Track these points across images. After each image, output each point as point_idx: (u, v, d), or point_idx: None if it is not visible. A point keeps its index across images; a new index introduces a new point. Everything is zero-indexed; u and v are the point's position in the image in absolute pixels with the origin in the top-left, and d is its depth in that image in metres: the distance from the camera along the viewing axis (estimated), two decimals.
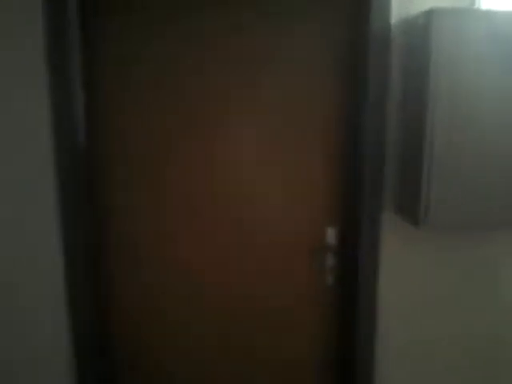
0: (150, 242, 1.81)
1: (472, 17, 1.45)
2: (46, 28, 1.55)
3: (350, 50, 1.71)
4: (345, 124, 1.77)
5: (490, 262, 1.82)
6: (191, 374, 1.94)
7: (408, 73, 1.63)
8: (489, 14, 1.46)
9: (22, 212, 1.68)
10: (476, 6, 1.61)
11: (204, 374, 1.94)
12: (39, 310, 1.76)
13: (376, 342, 1.84)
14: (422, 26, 1.50)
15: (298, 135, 1.77)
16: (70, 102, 1.60)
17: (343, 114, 1.76)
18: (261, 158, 1.78)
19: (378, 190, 1.73)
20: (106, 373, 1.91)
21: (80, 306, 1.74)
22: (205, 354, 1.93)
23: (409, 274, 1.80)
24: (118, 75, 1.69)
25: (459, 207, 1.58)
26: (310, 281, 1.87)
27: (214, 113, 1.74)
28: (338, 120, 1.76)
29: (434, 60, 1.47)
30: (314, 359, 1.95)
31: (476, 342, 1.88)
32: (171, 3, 1.65)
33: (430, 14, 1.45)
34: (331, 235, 1.81)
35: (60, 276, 1.73)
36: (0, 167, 1.64)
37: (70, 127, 1.62)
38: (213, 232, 1.82)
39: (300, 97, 1.74)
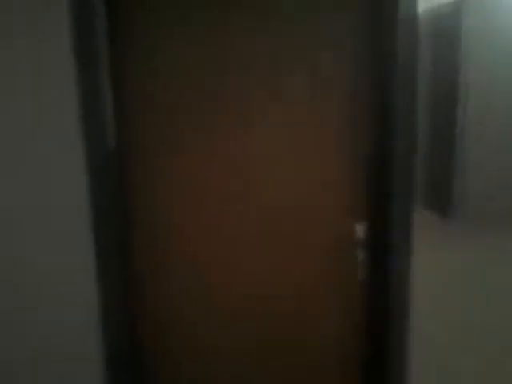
0: (178, 241, 1.75)
1: (502, 4, 1.51)
2: (73, 26, 1.55)
3: (376, 39, 1.74)
4: (374, 117, 1.77)
5: None
6: (217, 375, 1.79)
7: (437, 62, 1.67)
8: None
9: (53, 213, 1.63)
10: None
11: (228, 375, 1.79)
12: (70, 311, 1.67)
13: (409, 337, 1.72)
14: (452, 15, 1.56)
15: (326, 128, 1.76)
16: (98, 101, 1.59)
17: (372, 107, 1.76)
18: (288, 153, 1.76)
19: (409, 185, 1.70)
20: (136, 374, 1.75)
21: (112, 308, 1.67)
22: (232, 355, 1.78)
23: (439, 268, 1.72)
24: (146, 73, 1.68)
25: (491, 200, 1.55)
26: (341, 276, 1.78)
27: (241, 108, 1.72)
28: (367, 112, 1.76)
29: (465, 48, 1.51)
30: (343, 356, 1.81)
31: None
32: (200, 1, 1.70)
33: (459, 3, 1.51)
34: (360, 230, 1.75)
35: (92, 276, 1.66)
36: (32, 166, 1.61)
37: (100, 126, 1.60)
38: (242, 234, 1.76)
39: (327, 88, 1.75)
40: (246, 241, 1.76)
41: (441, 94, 1.59)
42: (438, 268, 1.69)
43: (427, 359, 1.73)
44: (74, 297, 1.65)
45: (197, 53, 1.69)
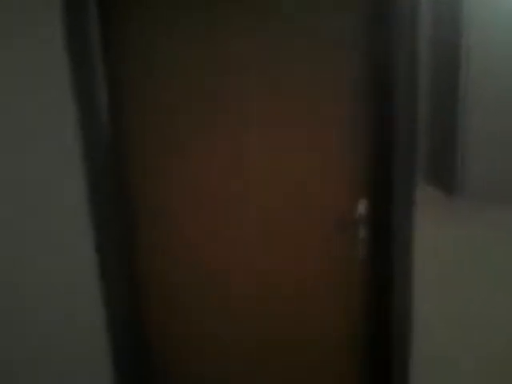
0: (180, 240, 1.72)
1: None
2: (66, 23, 1.49)
3: (377, 21, 1.64)
4: (376, 94, 1.69)
5: None
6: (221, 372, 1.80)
7: (438, 42, 1.58)
8: None
9: (52, 210, 1.58)
10: None
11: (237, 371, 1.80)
12: (74, 309, 1.65)
13: (411, 317, 1.75)
14: None
15: (327, 106, 1.68)
16: (94, 100, 1.54)
17: (373, 84, 1.68)
18: (289, 130, 1.68)
19: (411, 160, 1.65)
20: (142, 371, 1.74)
21: (115, 305, 1.65)
22: (234, 353, 1.79)
23: (443, 246, 1.73)
24: (142, 72, 1.61)
25: (497, 176, 1.53)
26: (342, 254, 1.77)
27: (240, 107, 1.65)
28: (368, 91, 1.69)
29: (467, 10, 1.43)
30: (346, 335, 1.84)
31: None
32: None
33: None
34: (362, 207, 1.72)
35: (94, 273, 1.63)
36: (30, 167, 1.56)
37: (97, 125, 1.55)
38: (244, 219, 1.71)
39: (326, 67, 1.65)
40: (248, 225, 1.72)
41: (442, 60, 1.52)
42: (441, 246, 1.69)
43: (429, 342, 1.78)
44: (77, 297, 1.63)
45: (195, 51, 1.61)
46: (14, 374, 1.59)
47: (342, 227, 1.75)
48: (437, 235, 1.69)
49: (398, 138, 1.65)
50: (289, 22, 1.60)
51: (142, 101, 1.63)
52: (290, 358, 1.85)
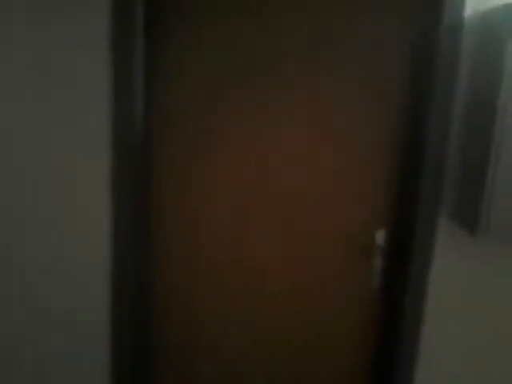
0: (198, 239, 1.79)
1: None
2: (111, 25, 1.56)
3: (418, 45, 1.64)
4: (406, 124, 1.70)
5: None
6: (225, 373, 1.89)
7: (478, 72, 1.55)
8: None
9: (76, 207, 1.68)
10: None
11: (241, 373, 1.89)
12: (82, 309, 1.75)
13: (419, 349, 1.74)
14: (499, 21, 1.43)
15: (355, 133, 1.71)
16: (131, 100, 1.60)
17: (405, 113, 1.69)
18: (314, 156, 1.72)
19: (437, 194, 1.64)
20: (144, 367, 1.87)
21: (127, 305, 1.73)
22: (245, 354, 1.87)
23: (460, 284, 1.70)
24: (180, 74, 1.68)
25: None
26: (357, 282, 1.79)
27: (270, 112, 1.70)
28: (399, 119, 1.69)
29: (510, 60, 1.39)
30: (354, 361, 1.87)
31: None
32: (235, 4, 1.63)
33: (507, 8, 1.38)
34: (381, 237, 1.73)
35: (107, 274, 1.72)
36: (58, 161, 1.65)
37: (130, 126, 1.62)
38: (263, 229, 1.77)
39: (360, 95, 1.68)
40: (265, 242, 1.78)
41: (478, 104, 1.50)
42: (458, 285, 1.67)
43: (438, 370, 1.76)
44: (83, 297, 1.72)
45: (230, 55, 1.66)
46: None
47: (360, 255, 1.77)
48: (454, 273, 1.67)
49: (424, 170, 1.64)
50: (326, 22, 1.64)
51: (176, 105, 1.70)
52: (297, 365, 1.90)
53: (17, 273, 1.70)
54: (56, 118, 1.62)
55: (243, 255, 1.79)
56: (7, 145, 1.63)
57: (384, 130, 1.70)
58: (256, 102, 1.69)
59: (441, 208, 1.67)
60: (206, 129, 1.71)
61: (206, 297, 1.82)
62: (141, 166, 1.69)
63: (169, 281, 1.81)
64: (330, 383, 1.88)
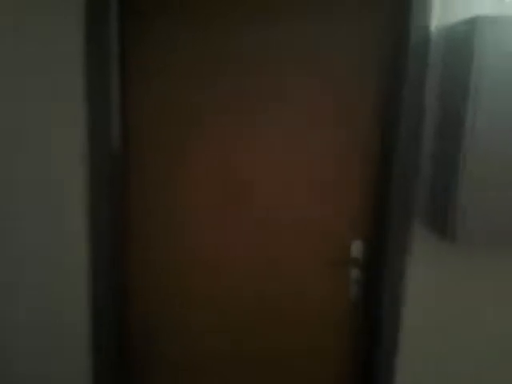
0: (171, 243, 1.77)
1: None
2: (85, 31, 1.55)
3: (386, 56, 1.64)
4: (376, 133, 1.70)
5: None
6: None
7: (446, 81, 1.56)
8: None
9: (53, 212, 1.67)
10: None
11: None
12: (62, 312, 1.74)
13: (399, 360, 1.77)
14: (465, 34, 1.43)
15: (327, 143, 1.70)
16: (106, 107, 1.60)
17: (376, 122, 1.69)
18: (287, 166, 1.72)
19: (408, 202, 1.65)
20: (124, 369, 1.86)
21: (103, 305, 1.70)
22: (218, 364, 1.87)
23: (436, 290, 1.72)
24: (156, 75, 1.66)
25: (494, 221, 1.50)
26: (333, 294, 1.81)
27: (241, 124, 1.69)
28: (370, 128, 1.70)
29: (476, 70, 1.40)
30: (333, 371, 1.88)
31: (509, 364, 1.80)
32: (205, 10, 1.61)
33: (473, 22, 1.38)
34: (357, 248, 1.74)
35: (85, 275, 1.69)
36: (35, 169, 1.64)
37: (105, 132, 1.61)
38: (236, 239, 1.77)
39: (330, 103, 1.68)
40: (241, 255, 1.78)
41: (448, 113, 1.52)
42: (433, 290, 1.70)
43: (417, 380, 1.79)
44: (64, 296, 1.72)
45: (208, 62, 1.65)
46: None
47: (337, 266, 1.78)
48: (429, 280, 1.69)
49: (396, 180, 1.65)
50: (299, 30, 1.64)
51: (151, 111, 1.69)
52: (274, 376, 1.91)
53: None
54: (30, 124, 1.62)
55: (220, 266, 1.79)
56: None
57: (356, 143, 1.71)
58: (233, 104, 1.68)
59: (414, 216, 1.68)
60: (183, 135, 1.70)
61: (181, 302, 1.82)
62: (117, 173, 1.67)
63: (147, 287, 1.80)
64: None
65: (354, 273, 1.76)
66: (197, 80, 1.66)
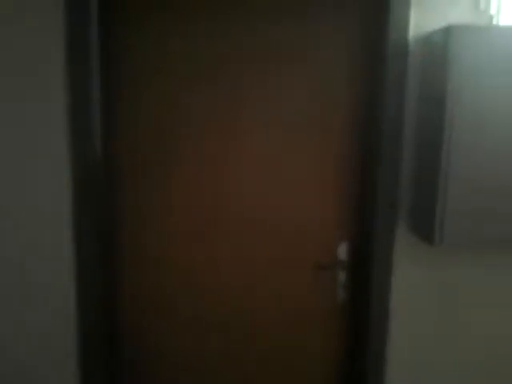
0: (159, 244, 1.81)
1: (490, 34, 1.44)
2: (66, 36, 1.57)
3: (366, 64, 1.70)
4: (360, 138, 1.75)
5: (509, 284, 1.78)
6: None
7: (425, 89, 1.62)
8: (508, 31, 1.45)
9: (37, 218, 1.68)
10: (494, 23, 1.59)
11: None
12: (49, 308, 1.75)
13: (387, 361, 1.80)
14: (441, 42, 1.49)
15: (311, 146, 1.75)
16: (87, 110, 1.61)
17: (359, 127, 1.74)
18: (272, 169, 1.76)
19: (392, 206, 1.70)
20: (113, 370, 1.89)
21: (89, 306, 1.73)
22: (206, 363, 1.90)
23: (422, 293, 1.77)
24: (135, 87, 1.69)
25: (476, 226, 1.55)
26: (320, 296, 1.85)
27: (225, 126, 1.73)
28: (353, 133, 1.75)
29: (452, 77, 1.45)
30: (322, 373, 1.92)
31: (494, 368, 1.84)
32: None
33: (448, 31, 1.44)
34: (343, 250, 1.79)
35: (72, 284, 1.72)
36: (16, 175, 1.65)
37: (87, 137, 1.63)
38: (221, 240, 1.80)
39: (317, 108, 1.73)
40: (227, 253, 1.81)
41: (428, 118, 1.57)
42: (420, 291, 1.74)
43: (406, 381, 1.83)
44: (50, 302, 1.73)
45: (192, 67, 1.69)
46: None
47: (322, 270, 1.82)
48: (415, 280, 1.74)
49: (380, 185, 1.70)
50: (291, 28, 1.68)
51: (133, 117, 1.71)
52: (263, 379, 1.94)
53: None
54: (13, 137, 1.63)
55: (206, 268, 1.82)
56: None
57: (341, 148, 1.76)
58: (217, 111, 1.72)
59: (399, 220, 1.73)
60: (168, 143, 1.74)
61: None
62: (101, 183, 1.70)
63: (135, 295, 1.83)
64: None
65: (341, 275, 1.80)
66: (185, 82, 1.70)
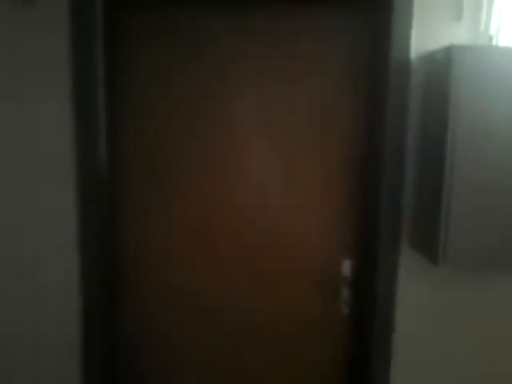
0: (161, 244, 1.80)
1: (492, 54, 1.46)
2: (71, 48, 1.59)
3: (368, 83, 1.72)
4: (364, 158, 1.76)
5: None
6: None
7: (427, 108, 1.64)
8: (508, 51, 1.47)
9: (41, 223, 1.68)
10: (494, 43, 1.62)
11: None
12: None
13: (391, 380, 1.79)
14: (442, 62, 1.51)
15: (315, 165, 1.77)
16: (93, 125, 1.63)
17: (362, 147, 1.76)
18: (277, 186, 1.77)
19: (396, 225, 1.71)
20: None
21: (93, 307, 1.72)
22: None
23: (426, 311, 1.76)
24: (141, 99, 1.72)
25: (480, 246, 1.54)
26: (324, 313, 1.84)
27: (227, 144, 1.75)
28: (357, 153, 1.76)
29: (454, 96, 1.47)
30: None
31: None
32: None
33: (450, 50, 1.46)
34: (347, 267, 1.79)
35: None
36: (23, 189, 1.65)
37: (93, 154, 1.64)
38: (225, 260, 1.80)
39: (318, 127, 1.75)
40: (230, 271, 1.81)
41: (430, 137, 1.59)
42: (424, 309, 1.74)
43: None
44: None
45: (198, 68, 1.70)
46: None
47: (327, 286, 1.82)
48: (419, 298, 1.74)
49: (384, 203, 1.70)
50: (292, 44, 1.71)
51: (138, 131, 1.73)
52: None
53: None
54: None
55: (210, 286, 1.82)
56: None
57: (344, 167, 1.77)
58: (220, 114, 1.74)
59: (402, 237, 1.73)
60: (172, 145, 1.75)
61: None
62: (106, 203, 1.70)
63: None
64: None
65: (345, 292, 1.80)
66: (189, 83, 1.71)
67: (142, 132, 1.73)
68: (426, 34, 1.63)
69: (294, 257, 1.81)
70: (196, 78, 1.71)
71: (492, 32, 1.62)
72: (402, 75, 1.62)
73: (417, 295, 1.75)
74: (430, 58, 1.61)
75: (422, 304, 1.76)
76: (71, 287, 1.71)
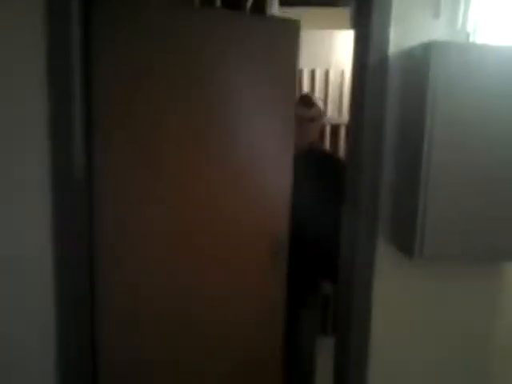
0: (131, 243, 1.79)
1: (469, 51, 1.47)
2: (47, 43, 1.52)
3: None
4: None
5: (490, 295, 1.80)
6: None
7: (405, 104, 1.64)
8: (485, 48, 1.49)
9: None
10: (471, 40, 1.63)
11: None
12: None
13: (368, 370, 1.80)
14: (420, 58, 1.52)
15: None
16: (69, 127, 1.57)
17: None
18: (243, 183, 1.77)
19: (373, 219, 1.71)
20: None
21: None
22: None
23: (403, 306, 1.77)
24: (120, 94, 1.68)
25: (456, 239, 1.56)
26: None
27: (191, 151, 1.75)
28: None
29: (431, 91, 1.48)
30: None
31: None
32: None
33: (429, 47, 1.47)
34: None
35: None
36: None
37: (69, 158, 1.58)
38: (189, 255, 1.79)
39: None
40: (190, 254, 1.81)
41: (407, 133, 1.59)
42: (400, 304, 1.75)
43: None
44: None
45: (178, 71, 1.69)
46: None
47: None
48: (396, 293, 1.75)
49: (360, 198, 1.70)
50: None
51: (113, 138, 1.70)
52: None
53: None
54: None
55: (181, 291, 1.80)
56: None
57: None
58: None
59: (379, 234, 1.73)
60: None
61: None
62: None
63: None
64: None
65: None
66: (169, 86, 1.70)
67: (122, 136, 1.70)
68: (405, 30, 1.63)
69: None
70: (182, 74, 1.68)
71: (469, 29, 1.63)
72: (380, 71, 1.62)
73: (393, 288, 1.76)
74: (408, 55, 1.62)
75: (399, 296, 1.76)
76: (46, 288, 1.65)
